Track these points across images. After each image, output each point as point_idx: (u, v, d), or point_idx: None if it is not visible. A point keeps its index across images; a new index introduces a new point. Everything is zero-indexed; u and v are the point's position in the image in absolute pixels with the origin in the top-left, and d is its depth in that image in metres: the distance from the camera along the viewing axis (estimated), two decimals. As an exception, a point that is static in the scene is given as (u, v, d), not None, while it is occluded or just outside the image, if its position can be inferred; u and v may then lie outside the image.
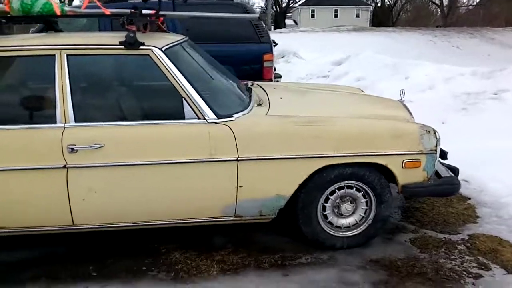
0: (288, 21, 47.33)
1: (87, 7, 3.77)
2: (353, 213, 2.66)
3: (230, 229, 2.80)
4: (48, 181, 2.31)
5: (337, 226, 2.65)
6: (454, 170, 2.90)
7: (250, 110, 2.56)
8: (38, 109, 2.37)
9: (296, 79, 10.94)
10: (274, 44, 7.67)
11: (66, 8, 3.12)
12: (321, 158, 2.44)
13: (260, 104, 2.72)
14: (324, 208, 2.61)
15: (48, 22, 3.02)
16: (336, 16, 45.49)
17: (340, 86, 4.03)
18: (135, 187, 2.38)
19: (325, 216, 2.62)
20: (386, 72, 8.47)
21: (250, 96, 2.83)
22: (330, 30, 22.73)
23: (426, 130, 2.53)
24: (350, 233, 2.67)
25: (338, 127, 2.48)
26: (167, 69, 2.34)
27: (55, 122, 2.30)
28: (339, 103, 3.08)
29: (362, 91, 3.85)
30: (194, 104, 2.35)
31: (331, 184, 2.55)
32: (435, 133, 2.55)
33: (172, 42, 2.54)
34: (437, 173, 2.74)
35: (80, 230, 2.49)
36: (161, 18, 3.20)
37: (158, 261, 2.56)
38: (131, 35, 2.30)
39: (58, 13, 2.92)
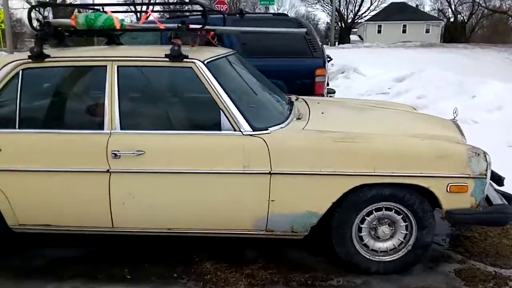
0: (353, 37, 46.72)
1: (145, 22, 3.98)
2: (392, 237, 2.52)
3: (263, 244, 2.79)
4: (92, 184, 2.45)
5: (373, 250, 2.53)
6: (509, 198, 2.66)
7: (288, 124, 2.54)
8: (89, 116, 2.53)
9: (355, 95, 10.70)
10: (328, 59, 7.64)
11: (125, 23, 3.33)
12: (357, 176, 2.36)
13: (299, 118, 2.70)
14: (360, 229, 2.50)
15: (110, 36, 3.25)
16: (404, 31, 44.14)
17: (392, 103, 3.88)
18: (171, 195, 2.45)
19: (361, 238, 2.52)
20: (450, 90, 8.05)
21: (291, 110, 2.81)
22: (396, 46, 22.05)
23: (475, 153, 2.35)
24: (388, 258, 2.53)
25: (376, 144, 2.38)
26: (207, 81, 2.41)
27: (102, 129, 2.45)
28: (385, 120, 2.96)
29: (414, 109, 3.68)
30: (231, 116, 2.39)
31: (368, 205, 2.44)
32: (485, 156, 2.36)
33: (216, 56, 2.61)
34: (488, 200, 2.53)
35: (119, 232, 2.60)
36: (211, 33, 3.33)
37: (189, 270, 2.60)
38: (175, 48, 2.40)
39: (118, 27, 3.12)
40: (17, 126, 2.49)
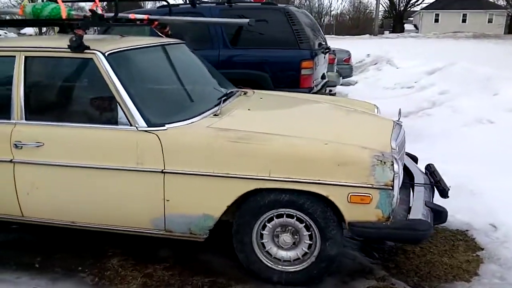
0: (408, 26, 44.49)
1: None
2: (296, 246, 2.34)
3: (181, 244, 2.66)
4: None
5: (276, 258, 2.36)
6: (440, 213, 2.37)
7: (194, 120, 2.41)
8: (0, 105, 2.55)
9: (380, 88, 10.22)
10: (327, 50, 7.23)
11: (73, 12, 3.33)
12: (251, 179, 2.19)
13: (216, 115, 2.56)
14: (262, 236, 2.34)
15: (62, 26, 3.26)
16: (464, 21, 41.36)
17: (355, 101, 3.58)
18: (69, 188, 2.43)
19: (263, 245, 2.36)
20: (474, 86, 7.45)
21: (216, 105, 2.66)
22: (444, 37, 20.73)
23: (381, 161, 2.10)
24: (291, 268, 2.35)
25: (273, 147, 2.19)
26: (106, 73, 2.34)
27: (9, 119, 2.47)
28: (309, 121, 2.74)
29: (377, 107, 3.38)
30: (127, 111, 2.31)
31: (267, 210, 2.27)
32: (392, 165, 2.09)
33: (122, 48, 2.52)
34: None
35: (30, 222, 2.62)
36: (156, 23, 3.25)
37: (96, 264, 2.58)
38: (74, 38, 2.35)
39: (64, 16, 3.12)
40: None
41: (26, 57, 2.47)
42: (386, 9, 34.96)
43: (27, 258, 2.66)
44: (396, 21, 36.54)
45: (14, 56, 2.48)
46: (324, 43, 5.96)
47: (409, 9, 39.94)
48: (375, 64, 13.37)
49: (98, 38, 2.74)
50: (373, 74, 12.25)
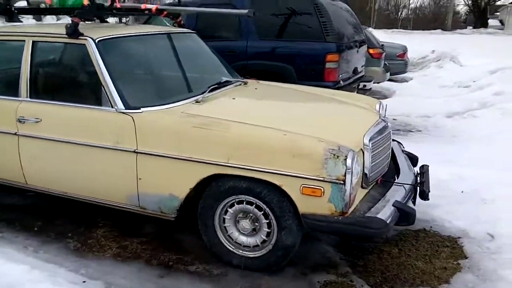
0: (493, 22, 41.04)
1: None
2: (256, 233, 2.39)
3: (165, 223, 2.79)
4: (8, 143, 2.80)
5: (237, 243, 2.43)
6: (407, 214, 2.28)
7: (170, 106, 2.53)
8: (13, 84, 2.85)
9: (437, 87, 9.68)
10: (381, 47, 6.96)
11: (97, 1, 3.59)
12: (210, 165, 2.27)
13: (198, 102, 2.66)
14: (224, 221, 2.42)
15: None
16: (559, 17, 37.19)
17: (355, 95, 3.50)
18: (61, 161, 2.68)
19: (226, 229, 2.43)
20: (532, 88, 6.77)
21: (203, 93, 2.77)
22: (527, 33, 18.89)
23: (334, 154, 2.07)
24: (250, 254, 2.41)
25: (232, 134, 2.25)
26: (94, 58, 2.54)
27: (17, 96, 2.78)
28: (291, 112, 2.75)
29: (380, 103, 3.27)
30: (109, 93, 2.50)
31: (227, 196, 2.34)
32: (345, 159, 2.06)
33: (113, 35, 2.71)
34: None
35: (33, 189, 2.94)
36: (165, 12, 3.42)
37: (85, 232, 2.83)
38: (68, 25, 2.58)
39: (85, 4, 3.40)
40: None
41: (33, 42, 2.76)
42: (467, 2, 32.45)
43: (31, 221, 2.98)
44: (478, 16, 33.78)
45: (24, 41, 2.79)
46: (359, 36, 5.79)
47: (492, 2, 36.69)
48: (437, 61, 12.62)
49: (96, 26, 2.96)
50: (434, 71, 11.59)
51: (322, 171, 2.08)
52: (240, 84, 3.26)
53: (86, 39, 2.58)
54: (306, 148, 2.13)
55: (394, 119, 6.55)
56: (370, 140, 2.43)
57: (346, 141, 2.23)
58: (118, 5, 3.36)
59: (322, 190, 2.10)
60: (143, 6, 3.41)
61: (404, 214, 2.28)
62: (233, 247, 2.44)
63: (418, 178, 2.74)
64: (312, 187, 2.11)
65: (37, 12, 3.39)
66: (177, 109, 2.53)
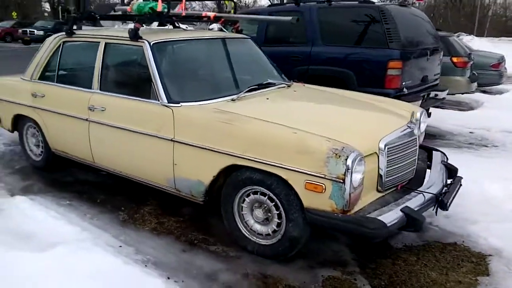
0: None
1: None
2: (269, 222, 2.58)
3: (201, 206, 3.09)
4: (81, 127, 3.36)
5: (252, 230, 2.65)
6: (414, 220, 2.28)
7: (207, 102, 2.84)
8: (88, 78, 3.40)
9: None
10: (467, 56, 6.63)
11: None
12: (229, 156, 2.53)
13: (233, 100, 2.94)
14: (242, 209, 2.66)
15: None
16: None
17: (398, 103, 3.43)
18: (118, 144, 3.16)
19: (243, 216, 2.67)
20: None
21: (241, 92, 3.03)
22: None
23: (336, 154, 2.18)
24: (262, 242, 2.61)
25: (249, 129, 2.48)
26: (148, 58, 2.96)
27: (91, 88, 3.33)
28: (316, 112, 2.92)
29: (421, 112, 3.22)
30: (156, 88, 2.89)
31: (244, 186, 2.57)
32: (346, 159, 2.16)
33: (167, 39, 3.11)
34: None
35: (99, 167, 3.47)
36: (222, 19, 3.78)
37: (135, 208, 3.27)
38: (129, 30, 3.04)
39: (159, 10, 3.88)
40: (55, 81, 3.63)
41: (106, 43, 3.29)
42: None
43: (96, 194, 3.52)
44: None
45: (99, 42, 3.33)
46: (432, 44, 5.57)
47: None
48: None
49: (155, 31, 3.39)
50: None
51: (323, 168, 2.21)
52: (284, 87, 3.47)
53: (143, 42, 3.02)
54: (311, 146, 2.28)
55: (471, 132, 6.17)
56: (386, 145, 2.48)
57: (356, 143, 2.32)
58: (183, 13, 3.79)
59: (324, 187, 2.22)
60: (203, 13, 3.80)
61: (411, 220, 2.30)
62: (248, 234, 2.66)
63: (444, 189, 2.69)
64: (314, 183, 2.24)
65: (117, 18, 3.96)
66: (212, 105, 2.83)
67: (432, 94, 5.74)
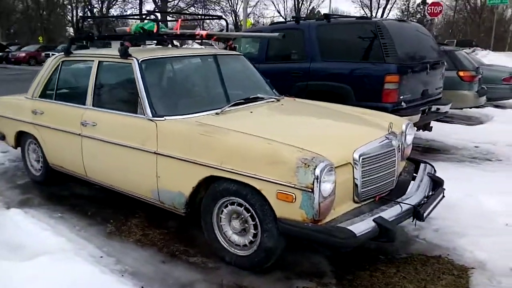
0: None
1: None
2: (246, 233, 2.60)
3: (186, 219, 3.16)
4: (74, 141, 3.48)
5: (230, 241, 2.67)
6: (386, 230, 2.27)
7: (191, 116, 2.92)
8: (83, 95, 3.54)
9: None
10: (475, 70, 6.56)
11: (164, 29, 4.22)
12: (207, 167, 2.58)
13: (217, 114, 3.01)
14: (220, 220, 2.69)
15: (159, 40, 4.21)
16: None
17: (384, 115, 3.42)
18: (107, 158, 3.25)
19: (221, 227, 2.70)
20: None
21: (226, 107, 3.10)
22: None
23: (305, 164, 2.21)
24: (240, 253, 2.63)
25: (225, 141, 2.53)
26: (135, 74, 3.08)
27: (84, 104, 3.46)
28: (297, 124, 2.98)
29: (406, 124, 3.21)
30: (143, 103, 2.99)
31: (222, 197, 2.61)
32: (314, 169, 2.18)
33: (155, 56, 3.24)
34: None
35: (92, 181, 3.57)
36: (214, 37, 3.89)
37: (122, 220, 3.34)
38: (120, 48, 3.17)
39: (155, 31, 4.04)
40: (54, 98, 3.79)
41: (99, 61, 3.43)
42: None
43: (88, 207, 3.62)
44: None
45: (93, 61, 3.48)
46: (433, 58, 5.56)
47: None
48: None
49: (145, 49, 3.52)
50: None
51: (293, 178, 2.23)
52: (272, 101, 3.53)
53: (132, 59, 3.14)
54: (283, 156, 2.31)
55: (476, 146, 6.07)
56: (361, 155, 2.50)
57: (329, 153, 2.35)
58: (178, 31, 3.93)
59: (294, 196, 2.24)
60: (196, 32, 3.92)
61: (384, 230, 2.29)
62: (226, 245, 2.69)
63: (423, 200, 2.66)
64: (285, 193, 2.27)
65: (115, 38, 4.13)
66: (195, 119, 2.90)
67: (434, 108, 5.69)
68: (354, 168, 2.49)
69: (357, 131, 2.88)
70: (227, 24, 4.32)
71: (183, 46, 4.42)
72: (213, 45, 4.04)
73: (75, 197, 3.88)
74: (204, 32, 3.86)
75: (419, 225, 3.27)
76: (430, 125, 5.77)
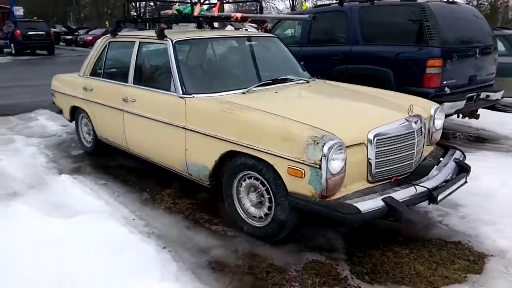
0: None
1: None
2: (262, 206, 2.74)
3: (216, 191, 3.33)
4: (118, 116, 3.80)
5: (248, 212, 2.83)
6: (394, 210, 2.31)
7: (218, 94, 3.08)
8: (126, 73, 3.83)
9: None
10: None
11: (203, 12, 4.40)
12: (227, 142, 2.74)
13: (243, 93, 3.15)
14: (240, 192, 2.85)
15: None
16: None
17: (415, 98, 3.36)
18: (143, 132, 3.53)
19: (240, 199, 2.86)
20: None
21: (256, 86, 3.23)
22: None
23: (314, 141, 2.29)
24: (256, 224, 2.78)
25: (244, 118, 2.67)
26: (170, 54, 3.29)
27: (127, 82, 3.75)
28: (319, 104, 3.06)
29: (436, 108, 3.16)
30: (175, 81, 3.20)
31: (240, 170, 2.77)
32: (323, 146, 2.25)
33: (190, 37, 3.44)
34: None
35: (132, 153, 3.87)
36: (248, 20, 4.02)
37: (158, 190, 3.61)
38: (156, 30, 3.39)
39: (195, 14, 4.24)
40: (101, 76, 4.13)
41: (139, 42, 3.69)
42: None
43: (129, 176, 3.94)
44: None
45: (134, 42, 3.74)
46: (483, 42, 5.28)
47: None
48: None
49: (180, 31, 3.70)
50: None
51: (303, 154, 2.33)
52: (302, 82, 3.60)
53: (167, 40, 3.35)
54: (294, 133, 2.41)
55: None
56: (375, 136, 2.53)
57: (342, 133, 2.41)
58: (215, 14, 4.10)
59: (303, 172, 2.34)
60: (232, 15, 4.06)
61: (392, 210, 2.32)
62: (245, 216, 2.85)
63: (441, 184, 2.64)
64: (295, 168, 2.37)
65: (157, 21, 4.37)
66: (221, 97, 3.06)
67: (483, 95, 5.42)
68: (368, 148, 2.53)
69: (376, 113, 2.89)
70: (261, 7, 4.41)
71: (226, 29, 4.57)
72: (255, 29, 4.13)
73: (120, 167, 4.23)
74: (239, 15, 3.99)
75: (445, 211, 3.25)
76: (477, 113, 5.51)
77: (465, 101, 4.94)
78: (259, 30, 4.14)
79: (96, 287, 2.14)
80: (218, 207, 3.27)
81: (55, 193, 3.43)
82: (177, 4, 4.47)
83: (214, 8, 4.38)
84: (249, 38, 3.79)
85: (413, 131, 2.72)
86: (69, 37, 28.88)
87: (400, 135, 2.65)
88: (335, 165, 2.31)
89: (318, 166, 2.28)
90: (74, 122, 4.76)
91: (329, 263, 2.52)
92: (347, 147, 2.39)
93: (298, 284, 2.33)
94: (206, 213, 3.19)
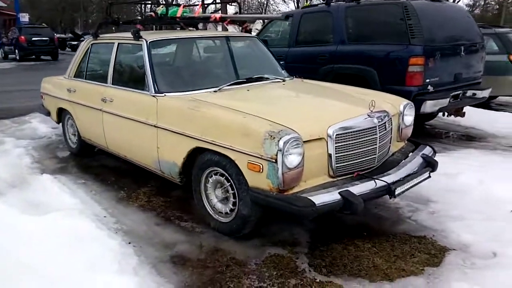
0: None
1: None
2: (227, 201, 2.78)
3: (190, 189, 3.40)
4: (97, 116, 3.87)
5: (215, 208, 2.87)
6: (350, 203, 2.34)
7: (188, 93, 3.14)
8: (105, 74, 3.90)
9: None
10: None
11: (186, 14, 4.48)
12: (193, 139, 2.79)
13: (215, 92, 3.20)
14: (207, 188, 2.90)
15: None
16: None
17: (384, 94, 3.40)
18: (122, 131, 3.59)
19: (208, 196, 2.90)
20: None
21: (228, 85, 3.29)
22: None
23: (271, 136, 2.33)
24: (222, 219, 2.82)
25: (208, 114, 2.72)
26: (144, 54, 3.36)
27: (106, 83, 3.83)
28: (283, 101, 3.11)
29: (406, 105, 3.18)
30: (148, 81, 3.26)
31: (207, 167, 2.81)
32: (279, 141, 2.29)
33: (163, 38, 3.50)
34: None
35: (112, 153, 3.95)
36: (227, 20, 4.08)
37: (134, 188, 3.68)
38: (133, 30, 3.46)
39: (178, 15, 4.32)
40: (84, 77, 4.22)
41: (118, 43, 3.77)
42: None
43: (109, 176, 4.01)
44: None
45: (114, 43, 3.82)
46: (469, 40, 5.28)
47: None
48: None
49: (157, 32, 3.78)
50: None
51: (261, 149, 2.37)
52: (278, 81, 3.65)
53: (143, 40, 3.42)
54: (253, 129, 2.45)
55: None
56: (335, 131, 2.56)
57: (301, 128, 2.45)
58: (196, 14, 4.17)
59: (261, 167, 2.39)
60: (212, 16, 4.13)
61: (348, 203, 2.35)
62: (212, 212, 2.90)
63: (401, 178, 2.67)
64: (254, 163, 2.42)
65: (139, 23, 4.45)
66: (191, 96, 3.11)
67: (470, 93, 5.41)
68: (328, 143, 2.56)
69: (339, 108, 2.92)
70: (240, 7, 4.47)
71: (208, 29, 4.65)
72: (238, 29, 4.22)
73: (101, 167, 4.31)
74: (218, 15, 4.06)
75: (415, 207, 3.27)
76: (463, 111, 5.50)
77: (448, 99, 4.94)
78: (241, 31, 4.20)
79: (55, 280, 2.19)
80: (190, 204, 3.31)
81: (33, 192, 3.50)
82: (161, 6, 4.55)
83: (196, 10, 4.46)
84: (227, 38, 3.84)
85: (375, 127, 2.75)
86: (75, 42, 29.23)
87: (361, 130, 2.68)
88: (292, 159, 2.35)
89: (274, 161, 2.32)
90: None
91: (290, 256, 2.56)
92: (305, 141, 2.43)
93: (255, 276, 2.37)
94: (178, 210, 3.24)
